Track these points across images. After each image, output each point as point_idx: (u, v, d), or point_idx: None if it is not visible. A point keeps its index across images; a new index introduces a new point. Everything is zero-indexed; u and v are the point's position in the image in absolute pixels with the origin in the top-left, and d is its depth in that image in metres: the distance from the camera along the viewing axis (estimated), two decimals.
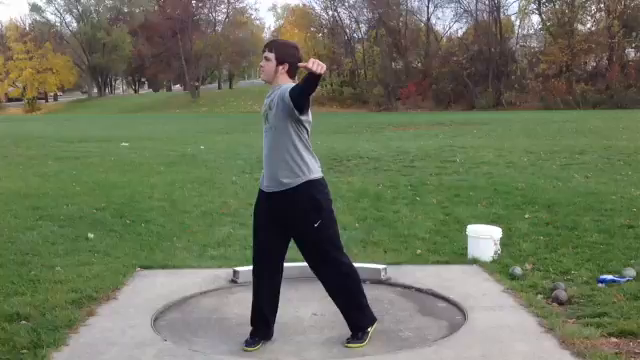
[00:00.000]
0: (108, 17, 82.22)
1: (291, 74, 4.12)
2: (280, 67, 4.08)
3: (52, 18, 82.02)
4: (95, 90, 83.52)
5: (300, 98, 3.93)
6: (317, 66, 3.71)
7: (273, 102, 4.09)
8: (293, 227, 4.22)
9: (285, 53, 4.10)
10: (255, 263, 4.35)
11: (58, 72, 74.24)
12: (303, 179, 4.10)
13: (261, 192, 4.30)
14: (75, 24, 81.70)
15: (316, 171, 4.18)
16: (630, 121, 25.69)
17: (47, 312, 4.76)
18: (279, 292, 4.40)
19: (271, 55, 4.10)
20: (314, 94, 4.14)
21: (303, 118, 4.05)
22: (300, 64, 3.97)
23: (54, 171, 13.43)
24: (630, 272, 5.52)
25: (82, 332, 4.45)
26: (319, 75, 3.75)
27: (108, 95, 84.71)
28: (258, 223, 4.32)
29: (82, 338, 4.35)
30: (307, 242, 4.27)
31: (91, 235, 7.36)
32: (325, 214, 4.18)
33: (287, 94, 3.94)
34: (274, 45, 4.16)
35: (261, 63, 4.16)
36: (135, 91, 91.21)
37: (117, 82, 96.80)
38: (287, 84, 4.06)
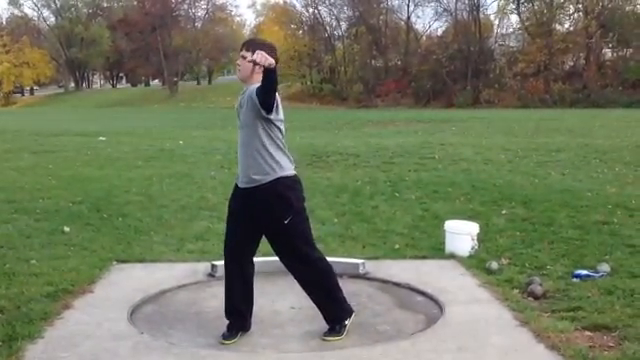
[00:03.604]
0: (86, 12, 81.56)
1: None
2: (256, 67, 4.05)
3: (29, 12, 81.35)
4: (72, 84, 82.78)
5: (264, 96, 3.93)
6: (260, 58, 3.74)
7: (244, 100, 4.13)
8: (264, 223, 4.23)
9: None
10: (226, 256, 4.37)
11: (35, 66, 73.39)
12: (273, 176, 4.12)
13: (236, 186, 4.33)
14: (53, 18, 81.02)
15: (288, 168, 4.19)
16: (606, 120, 25.97)
17: (22, 305, 4.72)
18: (252, 284, 4.40)
19: (248, 54, 4.07)
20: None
21: (272, 117, 4.05)
22: (248, 58, 3.98)
23: (30, 165, 13.28)
24: (604, 267, 5.59)
25: (57, 325, 4.42)
26: (270, 69, 3.77)
27: (85, 89, 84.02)
28: (231, 216, 4.36)
29: (57, 331, 4.31)
30: (278, 239, 4.28)
31: (67, 229, 7.29)
32: (295, 211, 4.19)
33: (254, 93, 3.98)
34: (251, 45, 4.15)
35: (238, 62, 4.19)
36: (113, 86, 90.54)
37: (95, 76, 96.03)
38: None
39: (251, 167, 4.14)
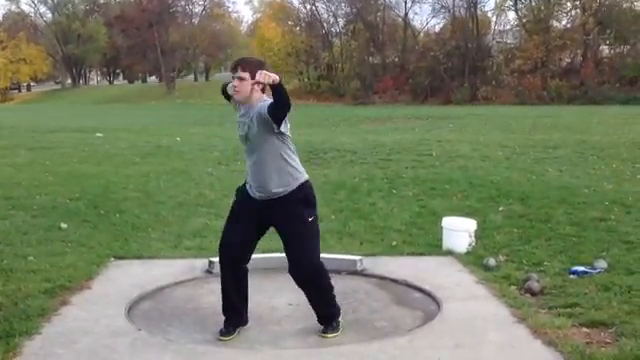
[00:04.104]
0: (83, 8, 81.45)
1: (263, 90, 4.11)
2: (256, 85, 4.03)
3: (26, 8, 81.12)
4: (69, 80, 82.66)
5: (280, 111, 3.93)
6: (264, 77, 3.75)
7: (252, 121, 4.08)
8: (283, 223, 4.22)
9: (258, 70, 4.02)
10: (226, 255, 4.32)
11: (32, 62, 73.15)
12: (295, 184, 4.17)
13: (248, 195, 4.27)
14: (49, 15, 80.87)
15: (303, 172, 4.26)
16: (603, 116, 25.98)
17: (19, 301, 4.72)
18: (247, 281, 4.41)
19: (245, 74, 4.03)
20: (290, 87, 4.28)
21: (283, 129, 4.07)
22: (251, 82, 3.96)
23: (27, 161, 13.25)
24: (601, 264, 5.61)
25: (55, 321, 4.42)
26: (277, 85, 3.77)
27: (82, 86, 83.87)
28: (236, 217, 4.32)
29: (55, 327, 4.32)
30: (295, 235, 4.22)
31: (64, 225, 7.28)
32: (314, 212, 4.25)
33: (265, 112, 3.95)
34: (247, 64, 4.08)
35: (234, 83, 4.08)
36: (110, 82, 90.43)
37: (91, 73, 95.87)
38: (261, 101, 4.07)
39: (272, 182, 4.13)
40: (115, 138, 18.28)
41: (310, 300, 4.41)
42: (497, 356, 3.92)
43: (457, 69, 51.72)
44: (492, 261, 5.79)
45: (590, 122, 22.95)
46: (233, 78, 4.09)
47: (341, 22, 62.68)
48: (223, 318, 4.36)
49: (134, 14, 70.55)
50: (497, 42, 56.66)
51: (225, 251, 4.32)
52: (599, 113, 28.63)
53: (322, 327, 4.35)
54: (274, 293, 5.09)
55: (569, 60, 52.27)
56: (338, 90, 56.71)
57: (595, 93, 43.51)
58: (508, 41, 56.86)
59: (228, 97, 4.26)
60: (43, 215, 7.88)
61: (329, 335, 4.28)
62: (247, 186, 4.30)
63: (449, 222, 6.46)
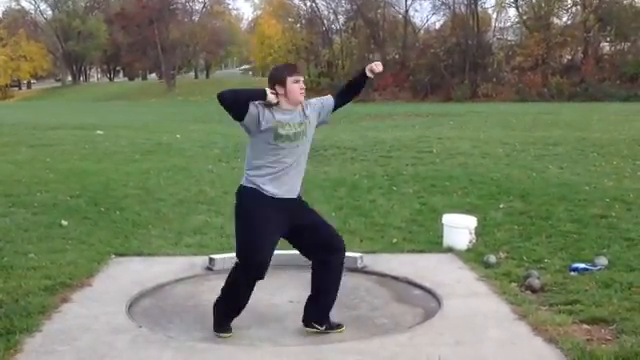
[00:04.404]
0: (83, 5, 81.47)
1: None
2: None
3: (26, 5, 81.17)
4: (69, 78, 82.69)
5: (350, 99, 4.51)
6: (380, 66, 4.27)
7: (309, 118, 4.21)
8: (310, 215, 4.28)
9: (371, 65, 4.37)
10: (253, 266, 4.12)
11: (32, 59, 73.18)
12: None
13: (267, 199, 4.09)
14: (50, 12, 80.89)
15: None
16: (604, 113, 25.97)
17: (20, 298, 4.71)
18: None
19: (301, 77, 4.25)
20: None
21: None
22: (371, 74, 4.27)
23: (27, 158, 13.25)
24: (602, 261, 5.60)
25: (55, 318, 4.41)
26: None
27: (82, 83, 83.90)
28: (265, 227, 4.08)
29: (56, 324, 4.31)
30: (322, 221, 4.31)
31: (65, 222, 7.28)
32: None
33: (331, 104, 4.37)
34: (300, 68, 4.39)
35: (302, 86, 4.21)
36: (110, 79, 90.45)
37: (92, 70, 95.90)
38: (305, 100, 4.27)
39: (301, 181, 4.24)
40: (115, 135, 18.29)
41: (330, 298, 4.29)
42: (497, 353, 3.92)
43: (457, 66, 51.77)
44: (492, 258, 5.78)
45: (590, 119, 22.96)
46: (297, 82, 4.15)
47: (341, 19, 62.79)
48: None
49: (134, 11, 70.55)
50: (497, 39, 56.73)
51: (256, 262, 4.11)
52: (599, 110, 28.62)
53: (332, 324, 4.30)
54: (275, 290, 5.08)
55: (569, 57, 52.32)
56: (338, 87, 56.67)
57: (595, 90, 43.55)
58: (508, 38, 56.97)
59: (244, 108, 4.12)
60: (44, 212, 7.88)
61: (343, 328, 4.29)
62: (264, 191, 4.08)
63: (449, 219, 6.46)
